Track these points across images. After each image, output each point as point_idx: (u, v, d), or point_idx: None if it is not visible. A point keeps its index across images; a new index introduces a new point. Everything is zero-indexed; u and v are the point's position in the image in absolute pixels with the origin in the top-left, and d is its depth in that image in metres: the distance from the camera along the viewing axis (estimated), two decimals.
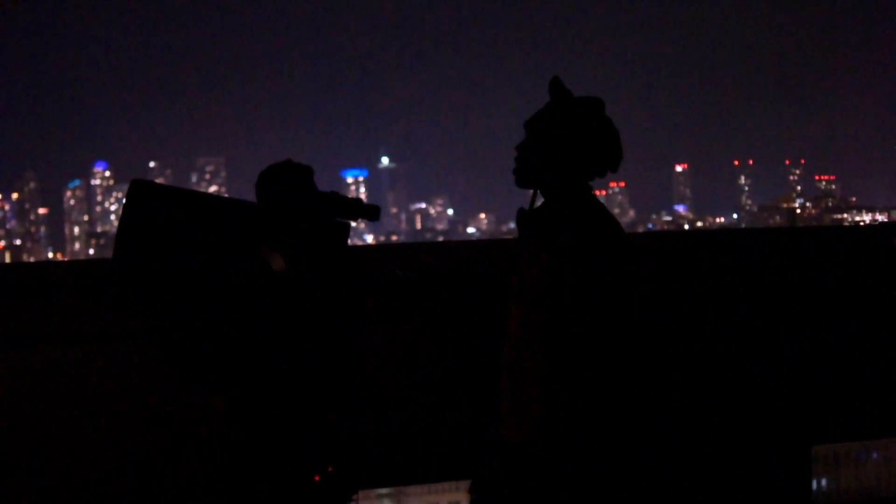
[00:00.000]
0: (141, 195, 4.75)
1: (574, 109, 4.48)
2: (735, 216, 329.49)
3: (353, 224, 5.07)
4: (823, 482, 8.26)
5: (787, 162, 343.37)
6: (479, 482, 4.63)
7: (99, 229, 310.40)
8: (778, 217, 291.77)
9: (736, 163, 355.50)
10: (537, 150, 4.50)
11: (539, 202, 4.60)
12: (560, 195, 4.48)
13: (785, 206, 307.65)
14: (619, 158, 4.57)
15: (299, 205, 4.85)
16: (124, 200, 4.77)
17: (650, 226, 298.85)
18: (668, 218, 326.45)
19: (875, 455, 8.66)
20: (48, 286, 7.00)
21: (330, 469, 4.91)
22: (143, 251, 4.75)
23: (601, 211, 4.43)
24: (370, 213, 5.00)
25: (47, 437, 6.82)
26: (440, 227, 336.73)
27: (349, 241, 5.08)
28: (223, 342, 4.90)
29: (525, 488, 4.38)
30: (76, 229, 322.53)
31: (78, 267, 9.31)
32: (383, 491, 7.64)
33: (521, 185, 4.59)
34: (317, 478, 4.88)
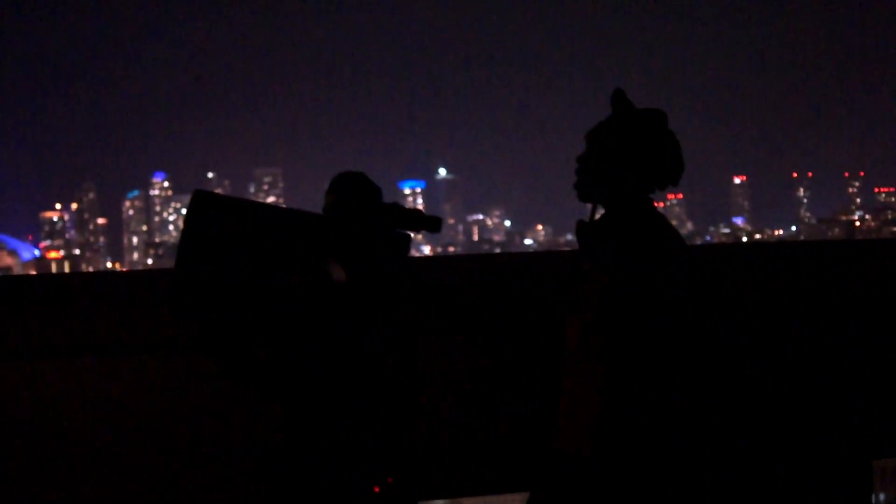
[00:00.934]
0: (202, 205, 4.78)
1: (636, 122, 4.47)
2: (794, 228, 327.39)
3: (413, 235, 5.06)
4: (882, 496, 8.19)
5: (847, 174, 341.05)
6: (536, 496, 4.62)
7: (157, 239, 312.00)
8: (836, 230, 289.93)
9: (794, 175, 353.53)
10: (598, 163, 4.49)
11: (599, 214, 4.59)
12: (620, 208, 4.47)
13: (844, 218, 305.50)
14: (681, 172, 4.56)
15: (364, 216, 4.87)
16: (186, 210, 4.81)
17: (708, 238, 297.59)
18: (727, 230, 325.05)
19: None
20: (104, 295, 7.05)
21: (390, 480, 4.91)
22: (202, 261, 4.78)
23: (659, 223, 4.41)
24: (431, 224, 4.99)
25: (95, 445, 6.86)
26: (497, 238, 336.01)
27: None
28: (278, 351, 4.91)
29: (583, 502, 4.37)
30: (135, 239, 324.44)
31: (135, 277, 9.35)
32: (439, 502, 7.63)
33: (581, 199, 4.59)
34: (377, 489, 4.89)
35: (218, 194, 4.87)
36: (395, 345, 4.98)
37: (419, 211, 5.00)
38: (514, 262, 8.09)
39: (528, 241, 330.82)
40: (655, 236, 4.37)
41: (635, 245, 4.30)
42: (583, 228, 4.57)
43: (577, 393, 4.40)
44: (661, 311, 4.26)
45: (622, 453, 4.27)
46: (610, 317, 4.28)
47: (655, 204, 4.54)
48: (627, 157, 4.44)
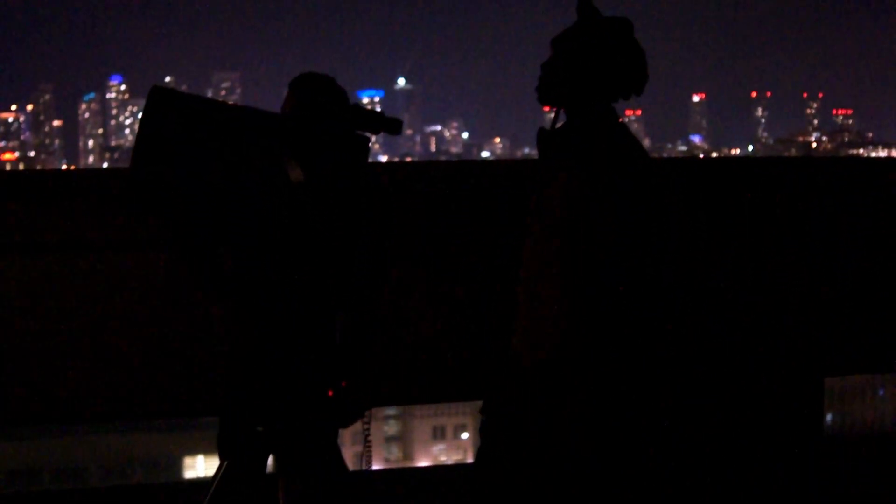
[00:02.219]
0: (160, 103, 4.70)
1: (602, 30, 4.44)
2: (750, 148, 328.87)
3: (372, 139, 5.02)
4: (829, 417, 8.26)
5: (805, 95, 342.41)
6: (490, 402, 4.63)
7: (113, 143, 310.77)
8: (793, 150, 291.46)
9: (753, 94, 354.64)
10: (562, 69, 4.46)
11: (560, 123, 4.57)
12: (583, 115, 4.44)
13: (801, 139, 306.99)
14: (645, 81, 4.55)
15: (326, 114, 4.82)
16: (143, 107, 4.73)
17: (664, 155, 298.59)
18: (684, 148, 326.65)
19: (881, 391, 8.67)
20: (59, 193, 6.96)
21: (343, 384, 4.90)
22: (160, 161, 4.72)
23: (624, 132, 4.40)
24: (391, 126, 4.95)
25: (49, 345, 6.80)
26: (455, 150, 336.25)
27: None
28: (235, 253, 4.89)
29: (537, 409, 4.38)
30: (90, 142, 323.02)
31: (90, 175, 9.24)
32: (390, 412, 7.62)
33: (543, 103, 4.55)
34: (330, 392, 4.88)
35: (176, 91, 4.79)
36: (352, 251, 4.95)
37: (380, 112, 4.96)
38: (472, 170, 8.04)
39: (485, 154, 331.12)
40: (637, 153, 4.36)
41: (617, 162, 4.28)
42: (544, 136, 4.55)
43: (535, 303, 4.39)
44: (644, 228, 4.27)
45: (582, 362, 4.27)
46: (579, 230, 4.26)
47: None
48: (592, 65, 4.41)
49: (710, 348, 7.43)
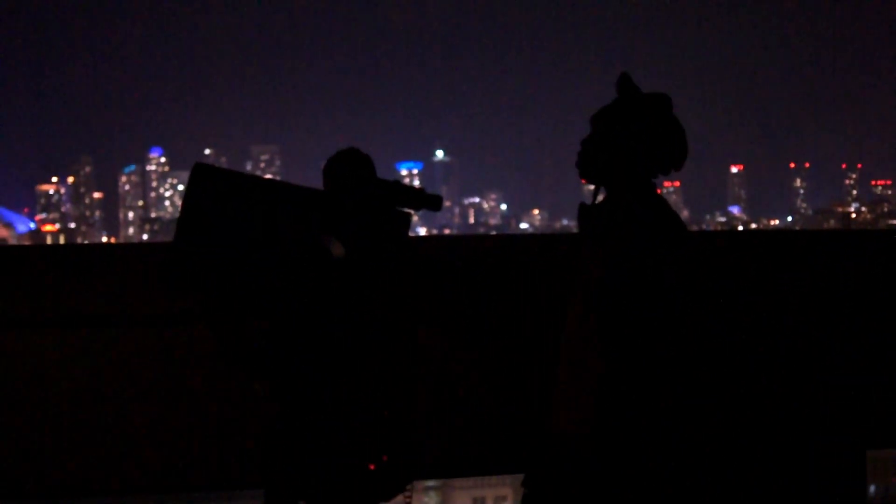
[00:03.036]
0: (202, 179, 4.75)
1: (642, 106, 4.46)
2: (789, 219, 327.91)
3: (412, 214, 5.05)
4: (872, 489, 8.18)
5: (844, 166, 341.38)
6: (532, 476, 4.61)
7: (153, 214, 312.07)
8: (832, 221, 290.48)
9: (792, 165, 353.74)
10: (603, 145, 4.48)
11: (601, 197, 4.58)
12: (623, 191, 4.45)
13: (840, 210, 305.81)
14: (685, 156, 4.55)
15: (365, 192, 4.86)
16: (186, 184, 4.78)
17: (705, 226, 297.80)
18: (723, 219, 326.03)
19: None
20: (101, 267, 7.02)
21: (385, 458, 4.90)
22: (202, 235, 4.75)
23: (664, 208, 4.40)
24: (432, 202, 4.97)
25: (89, 417, 6.83)
26: (493, 221, 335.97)
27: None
28: (275, 329, 4.90)
29: (579, 483, 4.37)
30: (130, 214, 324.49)
31: (131, 249, 9.30)
32: (430, 484, 7.61)
33: (583, 178, 4.57)
34: (372, 466, 4.88)
35: (218, 168, 4.84)
36: (394, 327, 4.97)
37: (420, 189, 4.99)
38: (512, 244, 8.06)
39: (524, 225, 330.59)
40: (676, 229, 4.36)
41: (656, 239, 4.29)
42: (585, 211, 4.56)
43: (576, 376, 4.39)
44: (653, 300, 4.26)
45: (621, 433, 4.26)
46: (605, 299, 4.27)
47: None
48: (632, 141, 4.43)
49: (749, 418, 7.40)
